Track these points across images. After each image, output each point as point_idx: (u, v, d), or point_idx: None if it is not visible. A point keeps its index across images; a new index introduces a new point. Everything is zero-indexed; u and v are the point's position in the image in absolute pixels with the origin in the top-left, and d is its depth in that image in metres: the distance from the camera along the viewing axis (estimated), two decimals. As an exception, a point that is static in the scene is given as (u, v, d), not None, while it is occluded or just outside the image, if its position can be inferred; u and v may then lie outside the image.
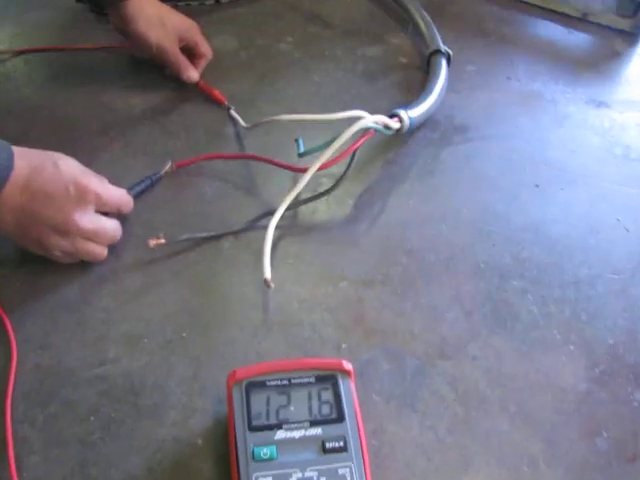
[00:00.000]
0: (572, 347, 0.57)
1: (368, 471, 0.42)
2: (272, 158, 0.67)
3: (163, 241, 0.59)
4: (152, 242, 0.58)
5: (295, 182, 0.64)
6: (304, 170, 0.63)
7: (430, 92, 0.79)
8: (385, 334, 0.56)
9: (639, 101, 0.88)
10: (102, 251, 0.58)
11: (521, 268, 0.63)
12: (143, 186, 0.66)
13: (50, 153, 0.56)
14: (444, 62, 0.86)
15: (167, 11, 0.80)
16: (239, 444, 0.43)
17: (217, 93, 0.80)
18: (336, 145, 0.63)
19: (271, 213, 0.62)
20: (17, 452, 0.46)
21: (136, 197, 0.64)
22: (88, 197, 0.55)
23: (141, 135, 0.75)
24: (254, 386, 0.45)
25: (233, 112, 0.77)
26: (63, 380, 0.51)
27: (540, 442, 0.50)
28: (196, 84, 0.82)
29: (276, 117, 0.70)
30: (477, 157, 0.76)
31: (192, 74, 0.81)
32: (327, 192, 0.66)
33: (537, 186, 0.72)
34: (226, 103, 0.79)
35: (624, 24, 1.02)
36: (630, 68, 0.96)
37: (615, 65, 0.96)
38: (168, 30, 0.78)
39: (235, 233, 0.63)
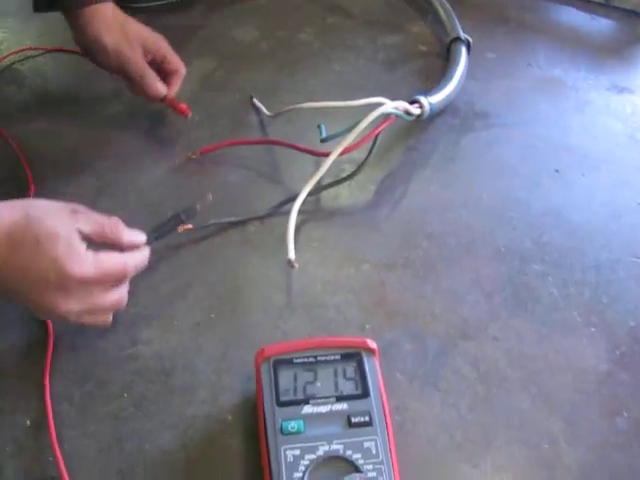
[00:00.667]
0: (593, 329, 0.57)
1: (393, 445, 0.44)
2: (295, 143, 0.68)
3: (191, 227, 0.60)
4: (180, 228, 0.59)
5: (317, 168, 0.66)
6: (326, 154, 0.64)
7: (450, 78, 0.79)
8: (407, 315, 0.57)
9: (662, 87, 0.87)
10: (104, 322, 0.52)
11: (542, 252, 0.64)
12: (168, 227, 0.58)
13: (31, 217, 0.46)
14: (464, 49, 0.87)
15: (131, 20, 0.71)
16: (268, 419, 0.44)
17: (183, 106, 0.73)
18: (358, 130, 0.64)
19: (294, 199, 0.63)
20: (57, 426, 0.48)
21: (157, 240, 0.57)
22: (72, 285, 0.46)
23: (165, 125, 0.77)
24: (281, 363, 0.46)
25: (256, 101, 0.79)
26: (97, 360, 0.53)
27: (561, 421, 0.51)
28: (162, 99, 0.72)
29: (299, 105, 0.71)
30: (498, 143, 0.76)
31: (159, 87, 0.71)
32: (349, 177, 0.67)
33: (558, 172, 0.73)
34: (189, 116, 0.73)
35: (647, 8, 1.01)
36: (653, 54, 0.95)
37: (638, 51, 0.95)
38: (130, 37, 0.68)
39: (260, 218, 0.65)
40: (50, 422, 0.48)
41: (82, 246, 0.47)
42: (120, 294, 0.51)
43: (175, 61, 0.73)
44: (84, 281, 0.47)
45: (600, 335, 0.57)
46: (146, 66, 0.69)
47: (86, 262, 0.47)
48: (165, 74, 0.72)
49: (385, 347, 0.54)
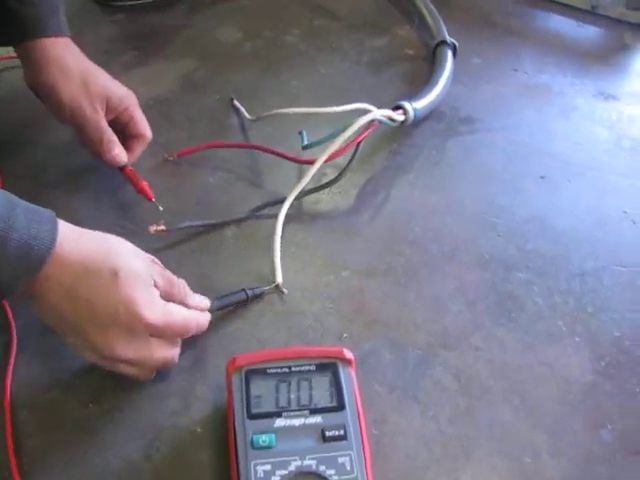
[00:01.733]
0: (577, 339, 0.56)
1: (368, 460, 0.42)
2: (278, 149, 0.66)
3: (164, 227, 0.58)
4: (152, 228, 0.57)
5: (298, 173, 0.64)
6: (310, 162, 0.62)
7: (435, 83, 0.78)
8: (387, 324, 0.55)
9: (647, 94, 0.87)
10: (147, 375, 0.49)
11: (526, 260, 0.62)
12: (234, 299, 0.55)
13: (114, 249, 0.46)
14: (450, 53, 0.85)
15: (95, 69, 0.63)
16: (238, 431, 0.42)
17: (145, 185, 0.62)
18: (342, 139, 0.62)
19: (274, 203, 0.61)
20: (17, 436, 0.46)
21: (219, 310, 0.55)
22: (138, 328, 0.44)
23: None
24: (254, 373, 0.45)
25: (237, 103, 0.77)
26: (62, 366, 0.51)
27: (544, 433, 0.49)
28: (122, 169, 0.63)
29: (281, 110, 0.69)
30: (482, 148, 0.75)
31: (117, 153, 0.62)
32: (331, 183, 0.66)
33: (543, 178, 0.72)
34: (153, 200, 0.62)
35: (634, 17, 1.01)
36: (639, 61, 0.95)
37: (624, 58, 0.95)
38: (91, 91, 0.60)
39: (237, 222, 0.63)
40: (8, 432, 0.46)
41: (157, 293, 0.46)
42: (173, 353, 0.49)
43: (141, 124, 0.65)
44: (151, 327, 0.45)
45: (585, 345, 0.56)
46: (106, 128, 0.61)
47: (158, 309, 0.45)
48: (128, 137, 0.65)
49: (364, 357, 0.53)
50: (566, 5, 1.04)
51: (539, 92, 0.85)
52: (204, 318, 0.51)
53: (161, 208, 0.59)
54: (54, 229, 0.43)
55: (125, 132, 0.65)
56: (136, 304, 0.44)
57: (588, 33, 1.00)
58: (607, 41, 0.99)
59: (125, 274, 0.44)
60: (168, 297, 0.48)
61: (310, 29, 0.94)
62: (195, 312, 0.50)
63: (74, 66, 0.60)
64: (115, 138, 0.62)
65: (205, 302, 0.52)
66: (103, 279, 0.43)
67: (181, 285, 0.50)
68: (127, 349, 0.45)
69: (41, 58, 0.60)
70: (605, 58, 0.94)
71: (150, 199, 0.62)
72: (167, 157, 0.69)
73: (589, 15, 1.02)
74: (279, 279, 0.57)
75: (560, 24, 1.01)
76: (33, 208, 0.43)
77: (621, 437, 0.49)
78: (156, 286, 0.46)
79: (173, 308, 0.47)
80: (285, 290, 0.57)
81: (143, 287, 0.45)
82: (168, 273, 0.49)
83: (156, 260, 0.49)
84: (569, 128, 0.79)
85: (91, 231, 0.46)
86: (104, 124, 0.62)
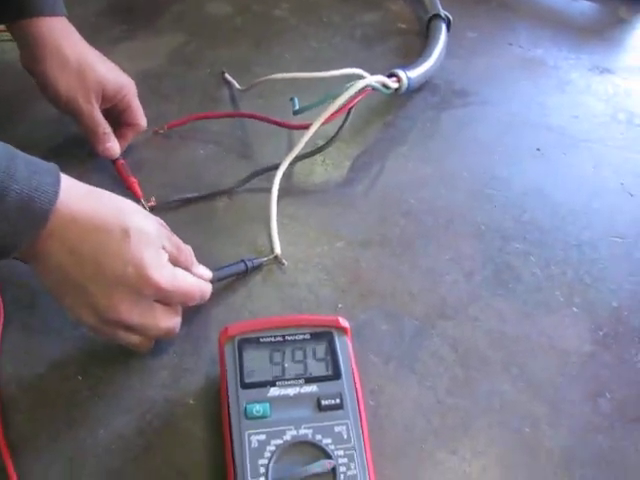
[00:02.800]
0: (575, 309, 0.55)
1: (365, 429, 0.41)
2: (269, 117, 0.65)
3: (154, 203, 0.57)
4: (144, 204, 0.56)
5: (289, 143, 0.63)
6: (304, 127, 0.61)
7: (429, 54, 0.77)
8: (383, 295, 0.54)
9: (643, 68, 0.86)
10: (146, 345, 0.47)
11: (523, 231, 0.61)
12: (233, 270, 0.54)
13: (125, 208, 0.44)
14: (444, 26, 0.84)
15: (93, 56, 0.61)
16: (231, 402, 0.41)
17: (134, 183, 0.61)
18: (335, 103, 0.61)
19: (263, 172, 0.60)
20: (4, 411, 0.45)
21: (219, 281, 0.53)
22: (146, 291, 0.43)
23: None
24: (247, 343, 0.43)
25: (227, 75, 0.75)
26: (50, 340, 0.50)
27: (542, 404, 0.48)
28: (113, 162, 0.63)
29: (271, 76, 0.68)
30: (477, 121, 0.74)
31: (111, 147, 0.61)
32: (323, 148, 0.64)
33: (539, 150, 0.71)
34: (142, 200, 0.59)
35: (629, -9, 1.00)
36: (635, 35, 0.94)
37: (620, 32, 0.94)
38: (87, 83, 0.59)
39: (228, 193, 0.61)
40: (-5, 406, 0.44)
41: (166, 256, 0.45)
42: (175, 322, 0.47)
43: (137, 113, 0.64)
44: (159, 291, 0.43)
45: (583, 315, 0.55)
46: (100, 121, 0.61)
47: (167, 272, 0.44)
48: (123, 124, 0.64)
49: (359, 328, 0.51)
50: (561, -20, 1.03)
51: (534, 66, 0.84)
52: (208, 288, 0.49)
53: (149, 204, 0.57)
54: (57, 181, 0.40)
55: (120, 120, 0.64)
56: (146, 265, 0.42)
57: (583, 7, 0.99)
58: (602, 15, 0.98)
59: (136, 234, 0.42)
60: (174, 263, 0.46)
61: (300, 3, 0.92)
62: (200, 281, 0.48)
63: (71, 54, 0.59)
64: (109, 130, 0.61)
65: (208, 273, 0.50)
66: (113, 238, 0.41)
67: (188, 252, 0.48)
68: (132, 312, 0.43)
69: (37, 44, 0.58)
70: (600, 32, 0.93)
71: (138, 197, 0.59)
72: (157, 130, 0.67)
73: (584, -10, 1.01)
74: (277, 250, 0.56)
75: (555, -1, 1.00)
76: (34, 160, 0.41)
77: (619, 406, 0.49)
78: (164, 249, 0.45)
79: (181, 273, 0.46)
80: (285, 261, 0.56)
81: (153, 249, 0.43)
82: (176, 238, 0.47)
83: (164, 223, 0.47)
84: (565, 101, 0.78)
85: (97, 188, 0.44)
86: (98, 116, 0.61)
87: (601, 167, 0.69)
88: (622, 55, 0.89)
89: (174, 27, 0.86)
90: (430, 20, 0.86)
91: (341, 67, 0.68)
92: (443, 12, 0.86)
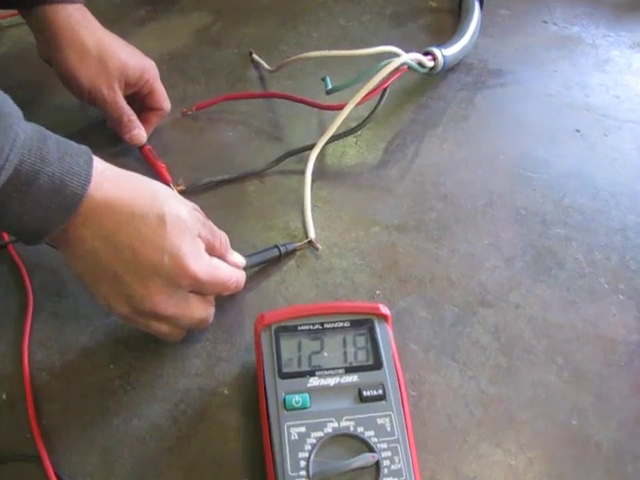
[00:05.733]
0: (621, 296, 0.53)
1: (409, 421, 0.39)
2: (300, 97, 0.63)
3: (183, 187, 0.56)
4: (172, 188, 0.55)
5: (320, 125, 0.61)
6: (335, 107, 0.59)
7: (463, 33, 0.74)
8: (421, 281, 0.52)
9: (686, 44, 0.82)
10: (178, 335, 0.45)
11: (564, 215, 0.59)
12: (267, 256, 0.52)
13: (159, 192, 0.42)
14: (477, 4, 0.81)
15: (113, 42, 0.58)
16: (269, 392, 0.40)
17: (163, 168, 0.59)
18: (371, 82, 0.58)
19: (295, 153, 0.58)
20: (37, 399, 0.44)
21: (252, 267, 0.51)
22: (182, 281, 0.41)
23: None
24: (284, 331, 0.42)
25: (255, 56, 0.73)
26: (80, 328, 0.49)
27: (590, 395, 0.46)
28: (140, 148, 0.61)
29: (302, 55, 0.66)
30: (513, 101, 0.71)
31: (137, 133, 0.60)
32: (356, 129, 0.61)
33: (578, 131, 0.68)
34: (171, 184, 0.58)
35: (668, -35, 0.96)
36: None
37: (660, 7, 0.90)
38: (109, 70, 0.57)
39: (259, 175, 0.60)
40: (28, 395, 0.44)
41: (202, 244, 0.43)
42: (210, 312, 0.46)
43: (161, 98, 0.62)
44: (195, 281, 0.42)
45: (629, 303, 0.52)
46: (124, 108, 0.59)
47: (204, 262, 0.42)
48: (147, 109, 0.62)
49: (398, 315, 0.50)
50: (596, -46, 0.99)
51: (571, 44, 0.81)
52: (242, 277, 0.48)
53: (178, 188, 0.56)
54: (89, 164, 0.39)
55: (144, 104, 0.62)
56: (183, 255, 0.40)
57: (621, -18, 0.95)
58: (642, -10, 0.93)
59: (172, 221, 0.40)
60: (210, 250, 0.44)
61: (328, -20, 0.90)
62: (235, 270, 0.47)
63: (90, 42, 0.56)
64: (134, 117, 0.60)
65: (242, 260, 0.49)
66: (149, 225, 0.40)
67: (223, 238, 0.46)
68: (167, 303, 0.41)
69: (55, 33, 0.56)
70: (639, 7, 0.89)
71: (167, 183, 0.58)
72: (185, 111, 0.65)
73: (622, -37, 0.97)
74: (312, 234, 0.54)
75: (590, -26, 0.96)
76: (66, 141, 0.39)
77: (671, 398, 0.47)
78: (199, 236, 0.43)
79: (218, 263, 0.44)
80: (319, 246, 0.54)
81: (189, 237, 0.41)
82: (210, 224, 0.45)
83: (198, 208, 0.46)
84: (605, 81, 0.75)
85: (130, 172, 0.42)
86: (122, 103, 0.59)
87: (644, 149, 0.66)
88: (663, 31, 0.85)
89: (199, 6, 0.84)
90: (462, -2, 0.83)
91: (371, 46, 0.65)
92: (476, -11, 0.83)
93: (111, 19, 0.80)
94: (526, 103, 0.71)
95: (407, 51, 0.64)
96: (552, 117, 0.70)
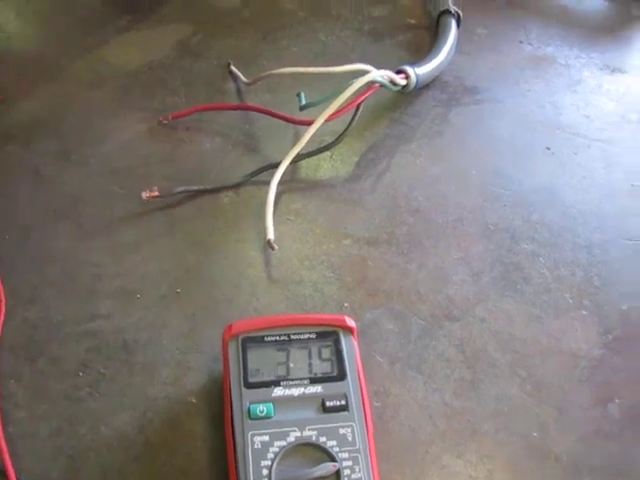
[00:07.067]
0: (584, 312, 0.54)
1: (371, 432, 0.40)
2: (274, 111, 0.64)
3: (157, 194, 0.56)
4: (145, 194, 0.55)
5: (296, 138, 0.62)
6: (309, 122, 0.60)
7: (438, 51, 0.76)
8: (389, 294, 0.53)
9: (655, 67, 0.85)
10: None
11: (532, 231, 0.60)
12: None
13: None
14: (453, 22, 0.83)
15: None
16: (234, 401, 0.40)
17: None
18: (342, 98, 0.60)
19: (272, 167, 0.59)
20: (3, 407, 0.44)
21: None
22: None
23: (138, 90, 0.72)
24: (251, 341, 0.42)
25: (234, 68, 0.74)
26: (51, 335, 0.49)
27: (551, 408, 0.47)
28: None
29: (278, 70, 0.67)
30: (487, 119, 0.73)
31: None
32: (330, 146, 0.63)
33: (549, 149, 0.70)
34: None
35: (641, -11, 0.98)
36: (646, 33, 0.92)
37: (631, 30, 0.92)
38: None
39: (233, 187, 0.60)
40: (-6, 401, 0.44)
41: None
42: None
43: None
44: None
45: (592, 318, 0.54)
46: None
47: None
48: None
49: (365, 327, 0.51)
50: (572, -23, 1.02)
51: (545, 64, 0.83)
52: None
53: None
54: None
55: None
56: None
57: (594, 5, 0.97)
58: (613, 13, 0.96)
59: None
60: None
61: (310, -4, 0.91)
62: None
63: None
64: None
65: None
66: None
67: None
68: None
69: None
70: (611, 31, 0.91)
71: None
72: (161, 120, 0.66)
73: (596, -13, 1.00)
74: (270, 235, 0.54)
75: (566, -4, 0.99)
76: None
77: (629, 411, 0.48)
78: None
79: None
80: (276, 246, 0.54)
81: None
82: None
83: None
84: (576, 100, 0.77)
85: None
86: None
87: (612, 168, 0.68)
88: (633, 53, 0.88)
89: (180, 17, 0.85)
90: (440, 16, 0.85)
91: (350, 61, 0.67)
92: (453, 7, 0.85)
93: (92, 28, 0.81)
94: (500, 121, 0.73)
95: (384, 67, 0.66)
96: (524, 135, 0.71)
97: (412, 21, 0.89)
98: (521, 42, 0.87)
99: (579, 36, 0.89)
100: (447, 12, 0.84)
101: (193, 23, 0.84)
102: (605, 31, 0.91)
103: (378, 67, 0.66)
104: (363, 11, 0.89)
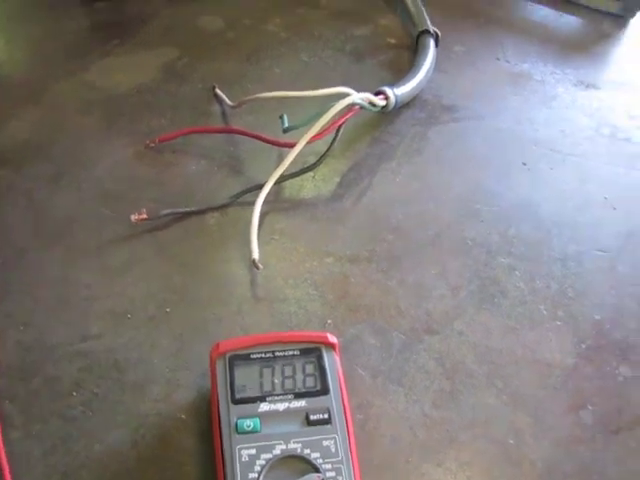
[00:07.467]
0: (559, 323, 0.56)
1: (353, 443, 0.42)
2: (258, 133, 0.66)
3: (145, 216, 0.58)
4: (134, 217, 0.57)
5: (280, 160, 0.64)
6: (291, 145, 0.62)
7: (417, 71, 0.78)
8: (371, 310, 0.56)
9: (627, 82, 0.87)
10: None
11: (509, 245, 0.63)
12: None
13: None
14: (432, 42, 0.85)
15: None
16: (222, 417, 0.42)
17: None
18: (322, 121, 0.62)
19: (256, 188, 0.61)
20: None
21: None
22: None
23: (126, 114, 0.74)
24: (238, 359, 0.44)
25: (218, 91, 0.77)
26: (45, 356, 0.51)
27: (526, 416, 0.50)
28: None
29: (261, 95, 0.69)
30: (465, 136, 0.75)
31: None
32: (312, 167, 0.65)
33: (525, 165, 0.72)
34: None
35: (613, 6, 1.01)
36: (619, 50, 0.96)
37: (604, 47, 0.96)
38: None
39: (219, 208, 0.62)
40: (-10, 422, 0.45)
41: None
42: None
43: None
44: None
45: (566, 329, 0.56)
46: None
47: None
48: None
49: (348, 342, 0.53)
50: (547, -6, 1.05)
51: (521, 80, 0.86)
52: None
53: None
54: None
55: None
56: None
57: (569, 22, 1.00)
58: (587, 30, 0.99)
59: None
60: None
61: (292, 17, 0.93)
62: None
63: None
64: None
65: None
66: None
67: None
68: None
69: None
70: (585, 47, 0.94)
71: None
72: (148, 143, 0.68)
73: (569, 5, 1.03)
74: (255, 255, 0.56)
75: (542, 13, 1.02)
76: None
77: (601, 418, 0.50)
78: None
79: None
80: (261, 266, 0.56)
81: None
82: None
83: None
84: (551, 116, 0.80)
85: None
86: None
87: (586, 181, 0.71)
88: (606, 69, 0.91)
89: (166, 41, 0.87)
90: (419, 35, 0.87)
91: (331, 81, 0.69)
92: (432, 28, 0.87)
93: (79, 52, 0.83)
94: (477, 138, 0.75)
95: (365, 86, 0.69)
96: (501, 151, 0.74)
97: (392, 41, 0.92)
98: (498, 59, 0.90)
99: (554, 52, 0.92)
100: (426, 32, 0.87)
101: (179, 46, 0.86)
102: (579, 47, 0.94)
103: (359, 86, 0.69)
104: (345, 31, 0.92)
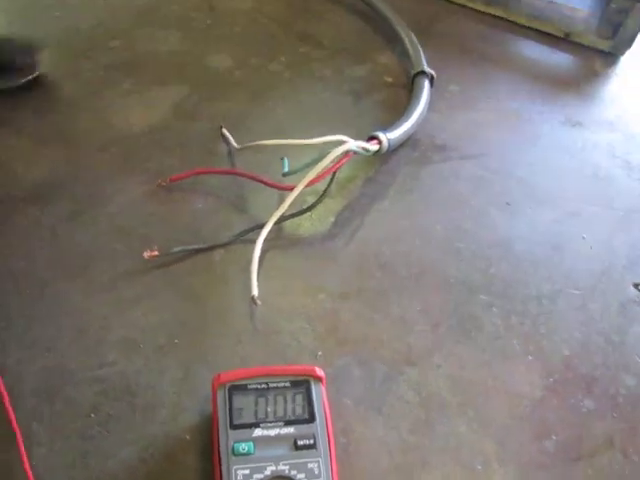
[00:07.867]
0: (530, 357, 0.62)
1: (334, 466, 0.48)
2: (260, 176, 0.72)
3: (157, 253, 0.64)
4: (146, 254, 0.63)
5: (281, 199, 0.70)
6: (290, 188, 0.68)
7: (410, 114, 0.84)
8: (357, 342, 0.61)
9: (613, 120, 0.93)
10: None
11: (488, 283, 0.68)
12: None
13: None
14: (427, 83, 0.91)
15: None
16: (221, 440, 0.48)
17: None
18: (319, 167, 0.68)
19: (258, 227, 0.67)
20: (26, 444, 0.52)
21: None
22: None
23: (138, 152, 0.80)
24: (236, 389, 0.50)
25: (225, 131, 0.83)
26: (66, 380, 0.57)
27: (494, 443, 0.55)
28: None
29: (262, 142, 0.76)
30: (454, 176, 0.81)
31: None
32: (309, 209, 0.72)
33: (508, 204, 0.78)
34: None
35: (604, 45, 1.07)
36: (608, 88, 1.01)
37: (594, 85, 1.01)
38: None
39: (224, 246, 0.69)
40: (19, 440, 0.51)
41: None
42: None
43: None
44: None
45: (536, 363, 0.62)
46: None
47: None
48: None
49: (335, 373, 0.59)
50: (541, 31, 1.10)
51: (510, 119, 0.91)
52: None
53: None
54: None
55: None
56: None
57: (561, 60, 1.06)
58: (578, 68, 1.05)
59: None
60: None
61: (295, 56, 1.00)
62: None
63: None
64: None
65: None
66: None
67: None
68: None
69: None
70: (576, 85, 1.00)
71: None
72: (160, 182, 0.74)
73: (562, 42, 1.08)
74: (254, 291, 0.62)
75: (535, 50, 1.08)
76: None
77: (563, 446, 0.56)
78: None
79: None
80: (259, 302, 0.62)
81: None
82: None
83: None
84: (535, 155, 0.85)
85: None
86: None
87: (565, 221, 0.76)
88: (594, 108, 0.96)
89: (178, 80, 0.93)
90: (415, 76, 0.93)
91: (329, 122, 0.76)
92: (427, 69, 0.93)
93: (96, 91, 0.89)
94: (465, 177, 0.81)
95: (362, 125, 0.76)
96: (486, 190, 0.79)
97: (389, 79, 0.98)
98: (489, 98, 0.96)
99: (544, 90, 0.98)
100: (422, 73, 0.93)
101: (189, 84, 0.92)
102: (570, 85, 0.99)
103: (356, 125, 0.76)
104: (344, 70, 0.98)
